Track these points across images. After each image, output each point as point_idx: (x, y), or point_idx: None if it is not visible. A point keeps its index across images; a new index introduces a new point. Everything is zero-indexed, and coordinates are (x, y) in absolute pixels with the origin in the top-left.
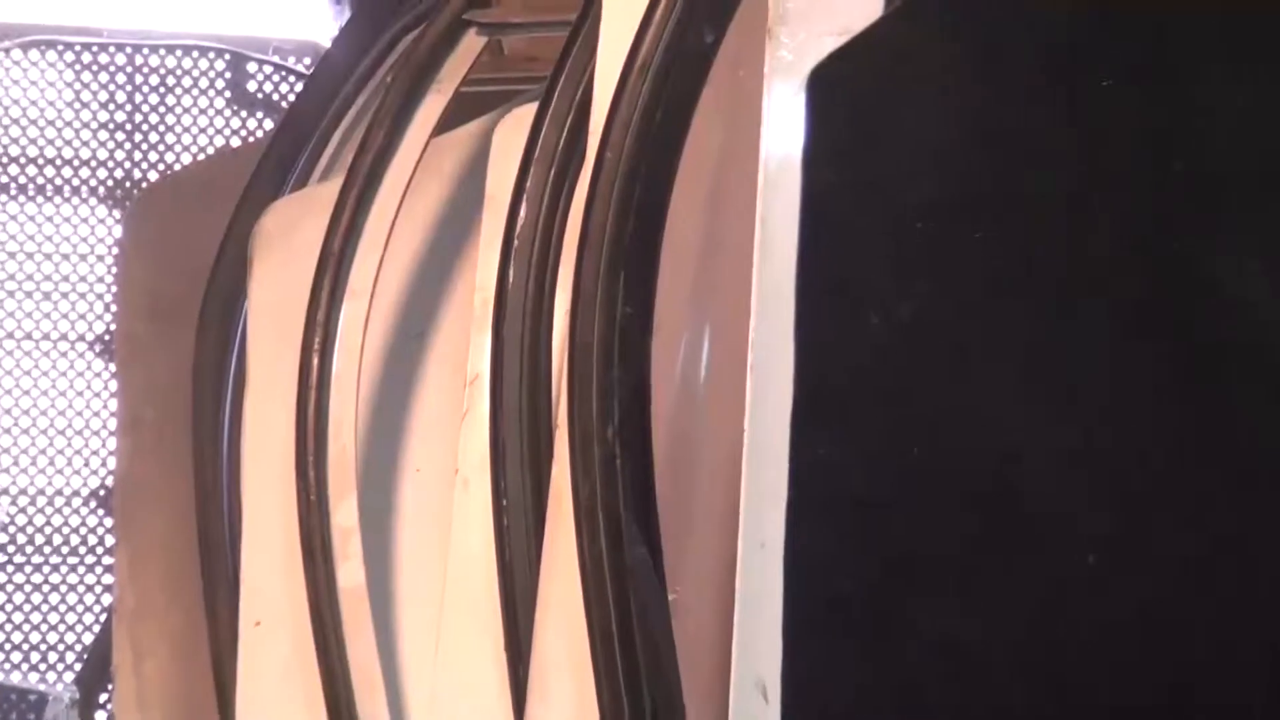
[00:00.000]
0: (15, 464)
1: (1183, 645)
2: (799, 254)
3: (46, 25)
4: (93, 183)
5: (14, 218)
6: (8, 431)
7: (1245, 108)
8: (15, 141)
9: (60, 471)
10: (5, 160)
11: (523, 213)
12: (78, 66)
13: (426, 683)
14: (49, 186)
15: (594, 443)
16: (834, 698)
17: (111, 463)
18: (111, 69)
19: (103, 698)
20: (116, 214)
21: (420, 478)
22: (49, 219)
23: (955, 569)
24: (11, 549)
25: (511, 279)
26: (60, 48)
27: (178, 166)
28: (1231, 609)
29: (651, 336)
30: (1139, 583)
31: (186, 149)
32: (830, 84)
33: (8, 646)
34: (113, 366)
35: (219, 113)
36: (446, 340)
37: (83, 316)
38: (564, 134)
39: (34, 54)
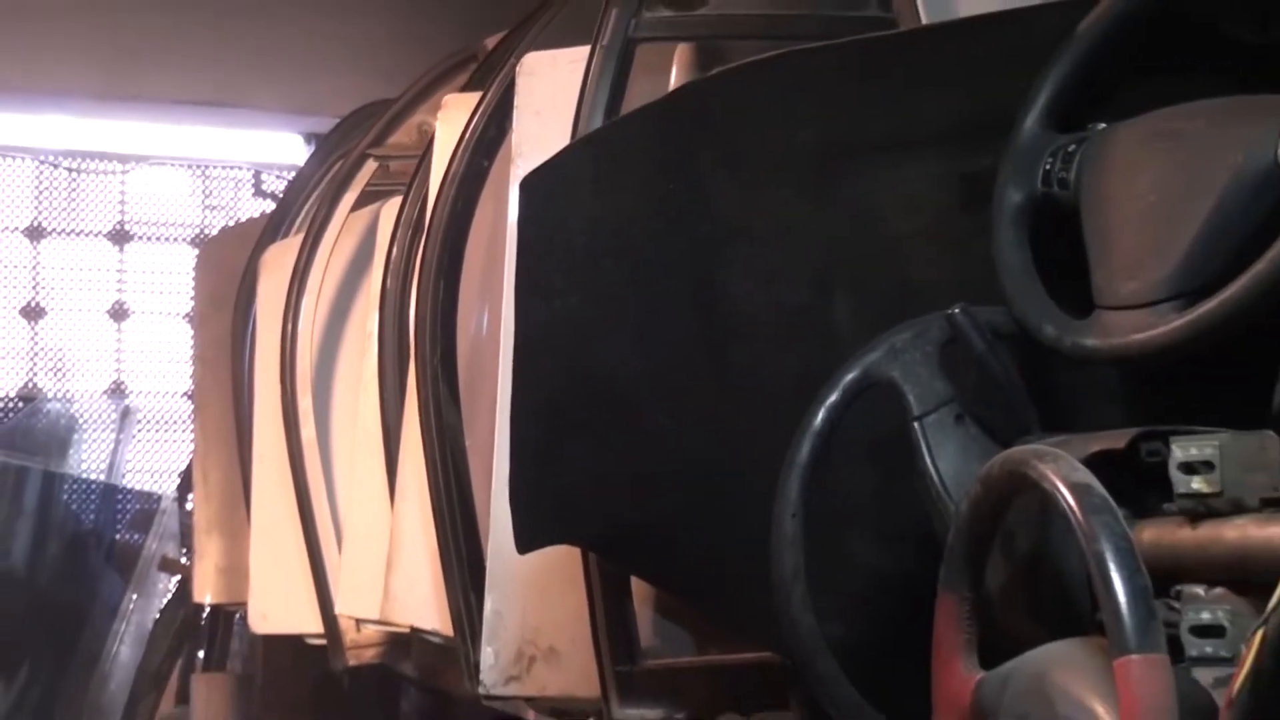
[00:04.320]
0: (144, 376)
1: (711, 463)
2: (517, 268)
3: (160, 154)
4: (184, 234)
5: (144, 253)
6: (141, 362)
7: (743, 205)
8: (145, 213)
9: (166, 379)
10: (141, 223)
11: (394, 252)
12: (176, 175)
13: (347, 488)
14: (162, 236)
15: (427, 364)
16: (533, 490)
17: (190, 376)
18: (193, 176)
19: (189, 496)
20: (194, 250)
21: (342, 383)
22: (161, 253)
23: (591, 426)
24: (144, 422)
25: (389, 284)
26: (167, 165)
27: (226, 227)
28: (731, 437)
29: (457, 311)
30: (691, 435)
31: (230, 217)
32: (533, 186)
33: (141, 471)
34: (190, 329)
35: (247, 200)
36: (357, 315)
37: (178, 302)
38: (416, 212)
39: (154, 169)
